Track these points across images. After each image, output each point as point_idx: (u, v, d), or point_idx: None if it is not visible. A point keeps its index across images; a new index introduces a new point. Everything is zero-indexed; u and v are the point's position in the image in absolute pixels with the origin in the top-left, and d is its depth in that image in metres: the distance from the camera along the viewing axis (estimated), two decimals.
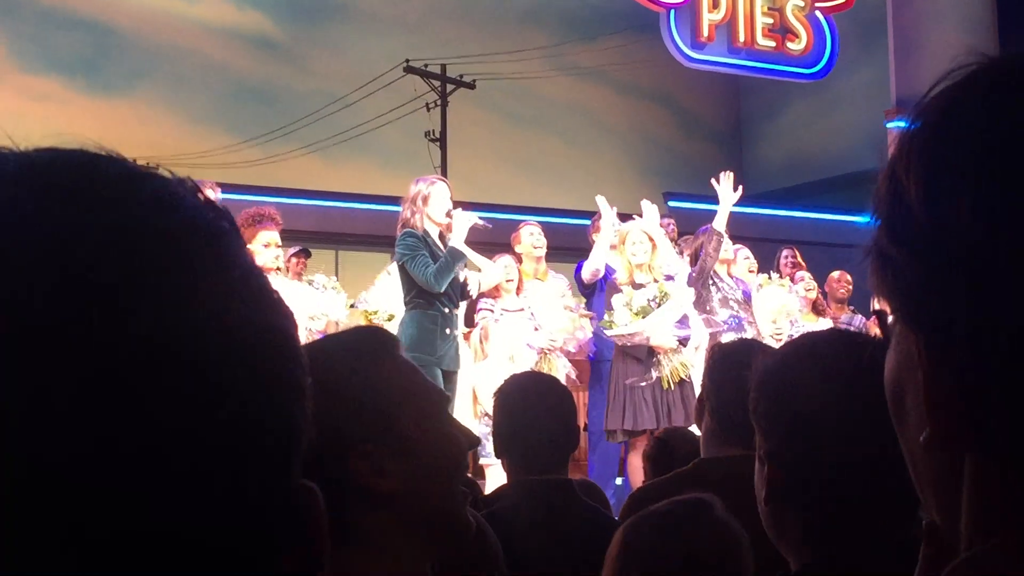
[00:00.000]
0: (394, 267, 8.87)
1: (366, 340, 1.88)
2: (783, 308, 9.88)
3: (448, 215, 8.29)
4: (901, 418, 0.90)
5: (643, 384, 8.77)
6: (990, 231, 0.77)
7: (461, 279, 8.44)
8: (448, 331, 8.20)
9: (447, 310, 8.24)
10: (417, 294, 8.17)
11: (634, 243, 9.04)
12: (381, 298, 9.51)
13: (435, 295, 8.14)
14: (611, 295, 9.01)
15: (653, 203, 9.63)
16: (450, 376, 8.14)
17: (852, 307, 11.49)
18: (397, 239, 8.20)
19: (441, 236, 8.33)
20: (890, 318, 0.90)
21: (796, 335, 9.69)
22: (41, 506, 0.57)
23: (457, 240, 8.20)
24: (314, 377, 0.70)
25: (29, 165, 0.64)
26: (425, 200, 8.29)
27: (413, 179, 8.70)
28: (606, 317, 8.93)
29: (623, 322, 8.80)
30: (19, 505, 0.57)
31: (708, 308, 9.37)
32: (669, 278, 9.13)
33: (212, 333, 0.62)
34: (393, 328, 8.58)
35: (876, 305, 0.96)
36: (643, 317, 8.77)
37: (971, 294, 0.78)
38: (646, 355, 8.84)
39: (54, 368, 0.58)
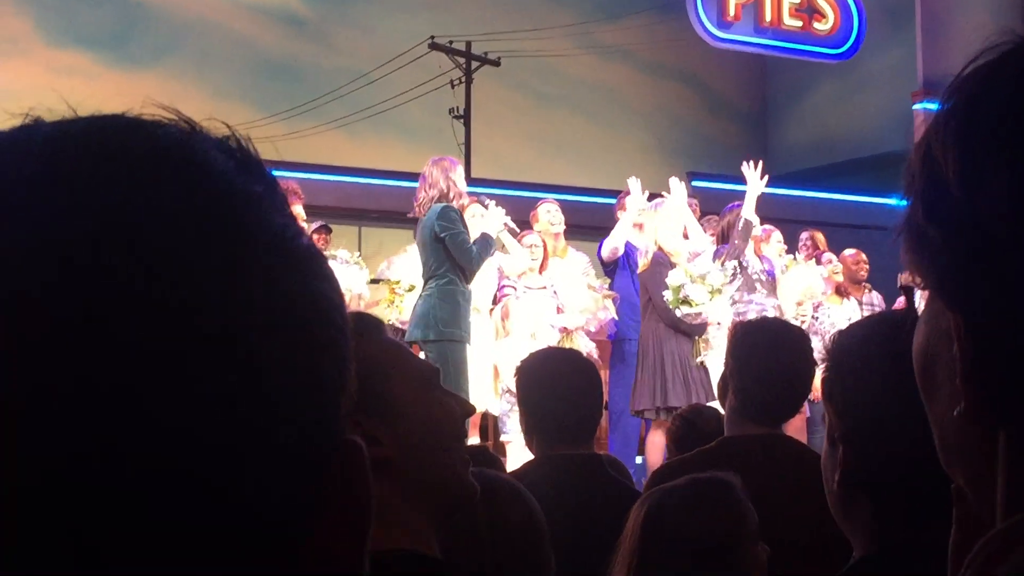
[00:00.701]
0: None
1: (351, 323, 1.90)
2: (808, 290, 9.86)
3: (481, 203, 8.48)
4: (930, 391, 0.91)
5: (682, 360, 8.82)
6: (1022, 206, 0.78)
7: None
8: (471, 307, 8.34)
9: (470, 288, 8.34)
10: (450, 269, 8.24)
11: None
12: (407, 268, 9.49)
13: (461, 270, 8.19)
14: (655, 273, 9.03)
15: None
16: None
17: (868, 285, 11.44)
18: (436, 211, 8.24)
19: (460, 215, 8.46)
20: (918, 292, 0.90)
21: (820, 318, 9.69)
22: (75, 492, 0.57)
23: (492, 228, 8.32)
24: None
25: (55, 141, 0.63)
26: (457, 181, 8.44)
27: (436, 154, 8.78)
28: (670, 296, 8.90)
29: (701, 300, 8.80)
30: (36, 499, 0.57)
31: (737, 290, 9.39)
32: (696, 255, 9.15)
33: (246, 305, 0.62)
34: (412, 299, 8.66)
35: (902, 280, 0.96)
36: (719, 295, 8.81)
37: (1008, 272, 0.78)
38: (695, 331, 8.89)
39: (75, 363, 0.57)
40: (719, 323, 8.84)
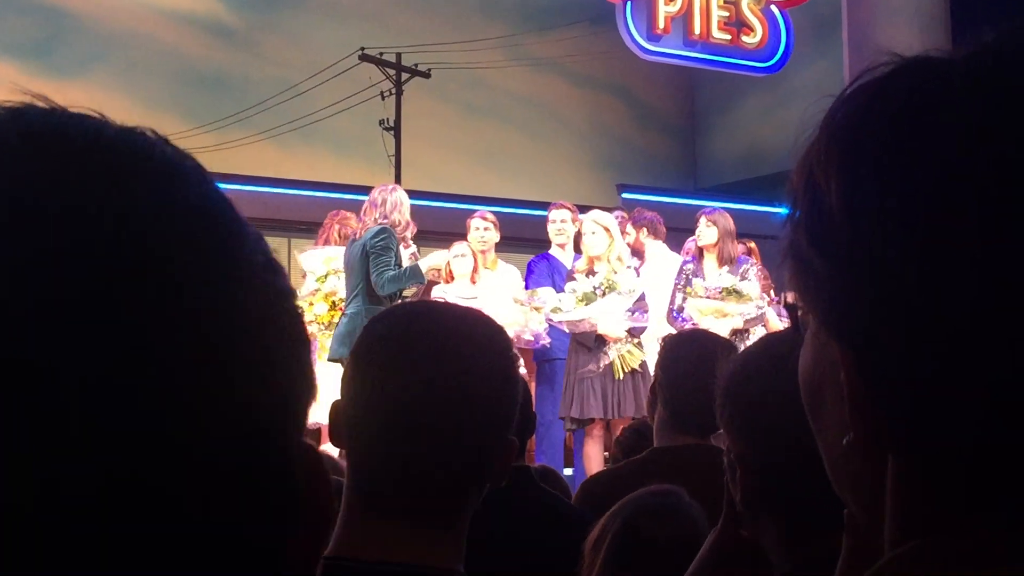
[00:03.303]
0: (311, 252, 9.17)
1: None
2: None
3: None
4: (817, 416, 0.90)
5: (592, 373, 8.82)
6: (911, 236, 0.76)
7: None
8: None
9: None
10: (370, 286, 8.35)
11: (592, 233, 9.09)
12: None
13: (387, 296, 8.39)
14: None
15: (607, 194, 9.73)
16: None
17: (777, 298, 11.48)
18: (373, 231, 8.40)
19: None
20: (800, 312, 0.90)
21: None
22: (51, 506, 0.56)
23: (424, 264, 8.49)
24: None
25: (33, 134, 0.63)
26: (405, 209, 8.74)
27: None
28: (554, 303, 9.02)
29: (568, 308, 8.90)
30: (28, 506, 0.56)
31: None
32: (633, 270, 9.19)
33: (223, 305, 0.62)
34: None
35: (788, 298, 0.96)
36: (586, 304, 8.85)
37: (894, 303, 0.77)
38: (594, 343, 8.90)
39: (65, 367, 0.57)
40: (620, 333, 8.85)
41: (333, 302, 9.38)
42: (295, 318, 0.67)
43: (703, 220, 9.59)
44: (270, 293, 0.66)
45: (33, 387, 0.56)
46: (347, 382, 1.79)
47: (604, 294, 8.90)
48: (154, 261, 0.60)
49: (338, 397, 1.82)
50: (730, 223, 9.63)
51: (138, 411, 0.57)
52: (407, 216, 8.76)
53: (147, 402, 0.58)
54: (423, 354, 1.75)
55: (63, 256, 0.58)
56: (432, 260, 8.85)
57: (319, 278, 9.45)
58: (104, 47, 24.01)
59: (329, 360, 8.64)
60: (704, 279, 9.39)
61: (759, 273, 9.86)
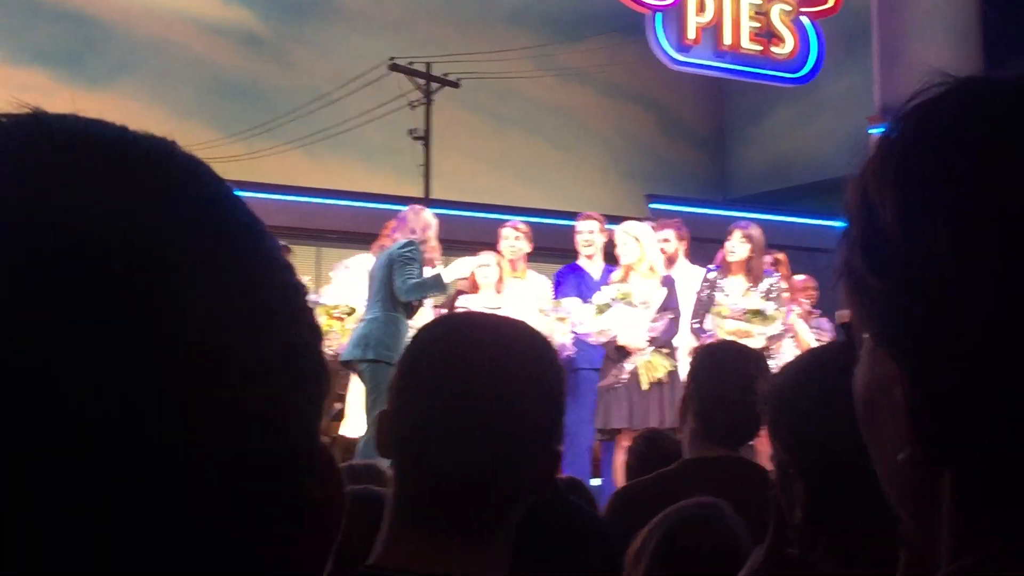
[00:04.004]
0: (352, 261, 9.37)
1: None
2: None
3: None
4: (873, 432, 0.90)
5: (615, 383, 8.82)
6: (967, 255, 0.77)
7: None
8: (406, 337, 8.53)
9: (409, 319, 8.78)
10: (390, 294, 8.62)
11: (623, 244, 9.09)
12: (340, 293, 9.71)
13: (409, 304, 8.67)
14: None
15: (635, 204, 9.73)
16: None
17: (816, 311, 11.43)
18: (401, 243, 8.62)
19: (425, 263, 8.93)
20: (859, 333, 0.90)
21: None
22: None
23: (448, 274, 8.65)
24: None
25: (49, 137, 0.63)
26: (432, 232, 9.04)
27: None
28: (578, 314, 9.05)
29: (585, 319, 8.93)
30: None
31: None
32: (667, 280, 9.16)
33: (252, 326, 0.62)
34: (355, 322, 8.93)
35: (842, 316, 0.96)
36: (601, 314, 8.87)
37: (949, 319, 0.77)
38: (615, 353, 8.91)
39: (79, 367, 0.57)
40: (639, 342, 8.85)
41: (329, 313, 9.50)
42: (309, 312, 0.68)
43: (738, 233, 9.46)
44: (287, 289, 0.66)
45: (30, 387, 0.56)
46: (394, 392, 1.79)
47: (620, 303, 8.92)
48: (177, 257, 0.60)
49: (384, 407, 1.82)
50: (762, 239, 9.56)
51: (146, 409, 0.58)
52: (434, 239, 8.96)
53: (162, 400, 0.58)
54: (470, 364, 1.75)
55: (89, 257, 0.58)
56: (455, 271, 8.94)
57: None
58: (134, 56, 24.13)
59: (342, 362, 8.85)
60: (728, 295, 9.32)
61: (784, 287, 9.80)
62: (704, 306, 9.38)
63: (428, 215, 9.16)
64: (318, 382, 0.67)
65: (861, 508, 1.77)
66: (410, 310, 8.72)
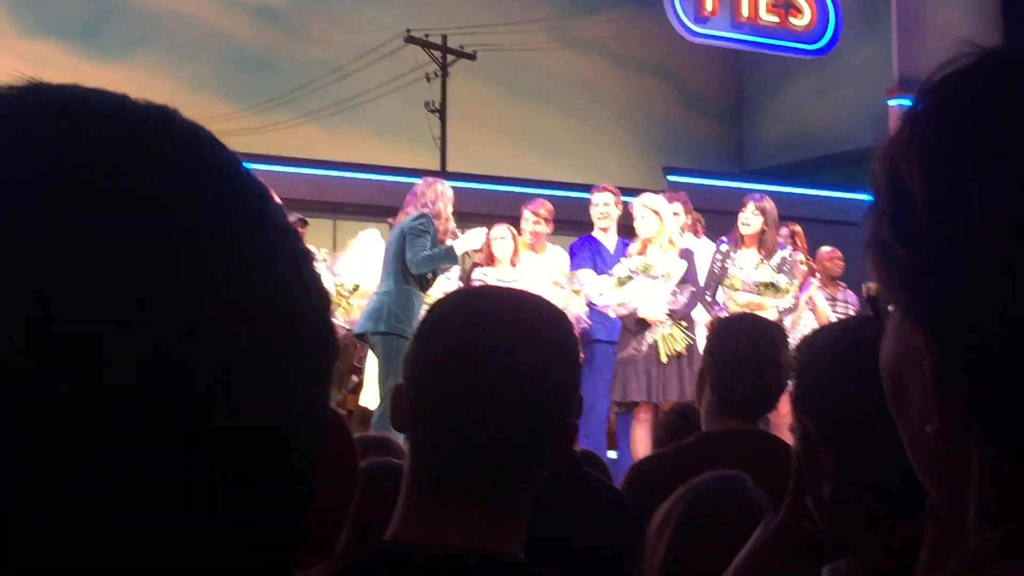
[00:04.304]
0: (366, 234, 9.37)
1: None
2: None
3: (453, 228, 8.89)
4: (901, 405, 0.90)
5: (634, 355, 8.83)
6: (996, 225, 0.77)
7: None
8: (421, 310, 8.56)
9: (423, 292, 8.80)
10: (402, 267, 8.67)
11: (641, 217, 9.08)
12: (350, 266, 9.71)
13: (422, 276, 8.68)
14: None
15: (652, 176, 9.70)
16: None
17: (843, 284, 11.45)
18: (413, 216, 8.63)
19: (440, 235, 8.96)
20: (886, 305, 0.89)
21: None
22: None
23: (459, 246, 8.65)
24: None
25: (66, 109, 0.63)
26: (450, 201, 9.03)
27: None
28: (595, 286, 9.05)
29: (605, 291, 8.93)
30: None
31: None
32: (686, 253, 9.15)
33: (261, 292, 0.62)
34: (358, 301, 8.99)
35: (869, 289, 0.95)
36: (621, 287, 8.86)
37: (978, 290, 0.77)
38: (635, 326, 8.91)
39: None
40: (657, 314, 8.85)
41: (337, 290, 9.51)
42: (316, 278, 0.68)
43: (751, 206, 9.44)
44: (293, 254, 0.66)
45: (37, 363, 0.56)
46: (409, 365, 1.80)
47: (640, 275, 8.91)
48: (182, 222, 0.60)
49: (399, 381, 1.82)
50: (775, 211, 9.55)
51: (165, 369, 0.58)
52: (448, 209, 8.94)
53: (174, 360, 0.58)
54: (486, 337, 1.76)
55: (90, 221, 0.58)
56: (466, 242, 8.94)
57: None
58: (150, 28, 24.14)
59: (355, 334, 8.95)
60: (741, 268, 9.31)
61: (798, 261, 9.79)
62: (716, 279, 9.37)
63: (441, 187, 9.14)
64: (326, 348, 0.67)
65: (892, 485, 1.76)
66: (424, 283, 8.74)
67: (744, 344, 3.86)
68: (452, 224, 9.05)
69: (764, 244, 9.36)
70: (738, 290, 9.19)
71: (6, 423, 0.55)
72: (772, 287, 9.18)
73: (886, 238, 0.83)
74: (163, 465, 0.58)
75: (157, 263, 0.59)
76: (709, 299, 9.33)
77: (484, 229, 9.07)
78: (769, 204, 9.50)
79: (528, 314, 1.82)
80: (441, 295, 8.85)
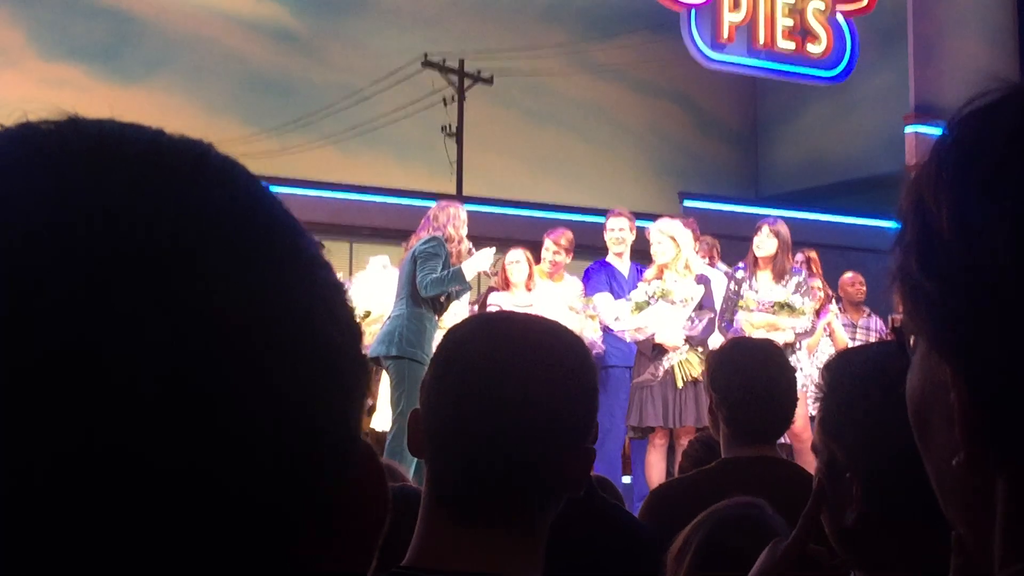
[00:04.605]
0: (376, 259, 9.37)
1: None
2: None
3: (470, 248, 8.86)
4: (926, 438, 0.90)
5: (650, 381, 8.81)
6: (1021, 258, 0.77)
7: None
8: (436, 334, 8.59)
9: (436, 316, 8.77)
10: (414, 291, 8.65)
11: (658, 242, 9.07)
12: (361, 292, 9.70)
13: (434, 299, 8.67)
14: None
15: (668, 201, 9.69)
16: None
17: (867, 309, 11.45)
18: (424, 239, 8.65)
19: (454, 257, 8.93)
20: (911, 338, 0.89)
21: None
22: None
23: (468, 267, 8.59)
24: None
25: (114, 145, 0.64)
26: (464, 223, 8.98)
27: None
28: (611, 311, 9.05)
29: (622, 315, 8.92)
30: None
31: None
32: (702, 278, 9.14)
33: (294, 327, 0.63)
34: (371, 323, 8.98)
35: (895, 321, 0.96)
36: (639, 312, 8.85)
37: (1005, 324, 0.77)
38: (652, 351, 8.89)
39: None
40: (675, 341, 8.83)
41: None
42: (348, 310, 0.68)
43: (766, 229, 9.45)
44: (326, 287, 0.67)
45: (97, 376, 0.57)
46: (427, 390, 1.79)
47: (657, 300, 8.89)
48: (214, 258, 0.61)
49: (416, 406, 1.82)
50: (789, 235, 9.56)
51: (183, 408, 0.58)
52: (462, 231, 8.90)
53: (199, 398, 0.58)
54: (505, 363, 1.75)
55: (125, 264, 0.59)
56: (475, 264, 8.88)
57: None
58: (169, 52, 24.23)
59: (369, 358, 8.80)
60: (757, 292, 9.31)
61: (815, 287, 9.79)
62: (732, 304, 9.36)
63: (454, 209, 9.11)
64: (356, 380, 0.67)
65: (919, 516, 1.74)
66: (438, 307, 8.73)
67: (746, 371, 3.85)
68: (467, 245, 9.01)
69: (777, 267, 9.35)
70: (752, 311, 9.18)
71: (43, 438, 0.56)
72: (787, 307, 9.17)
73: (912, 270, 0.83)
74: (191, 493, 0.58)
75: (193, 299, 0.59)
76: (726, 324, 9.31)
77: (492, 250, 9.00)
78: (783, 228, 9.51)
79: (546, 340, 1.82)
80: (456, 319, 8.88)
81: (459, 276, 8.67)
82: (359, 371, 0.68)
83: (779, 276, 9.33)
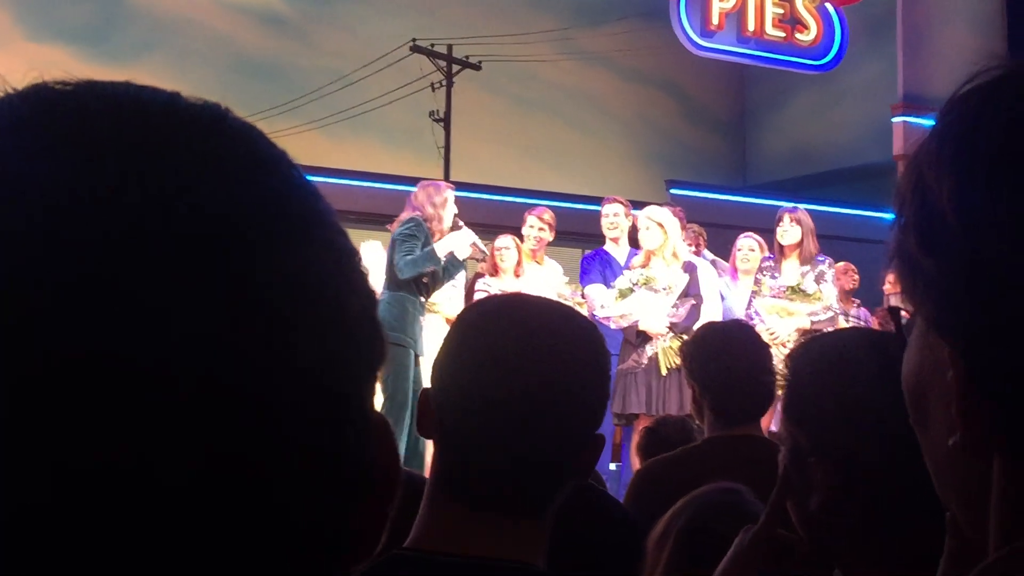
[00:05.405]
0: (367, 245, 9.35)
1: None
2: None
3: (456, 225, 8.76)
4: (922, 420, 0.90)
5: (634, 368, 8.82)
6: (1022, 236, 0.77)
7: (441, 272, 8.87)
8: (422, 317, 8.69)
9: (423, 298, 8.76)
10: (394, 273, 8.62)
11: (646, 229, 9.08)
12: None
13: (416, 281, 8.61)
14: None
15: (655, 189, 9.68)
16: (417, 360, 8.53)
17: (857, 300, 11.47)
18: (403, 222, 8.63)
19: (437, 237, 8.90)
20: (905, 316, 0.90)
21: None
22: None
23: (441, 246, 8.63)
24: None
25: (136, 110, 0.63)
26: (444, 204, 8.91)
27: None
28: (600, 299, 9.06)
29: (607, 303, 8.93)
30: None
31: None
32: (689, 266, 9.14)
33: (316, 292, 0.62)
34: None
35: (890, 301, 0.95)
36: (623, 299, 8.87)
37: (1005, 302, 0.77)
38: (636, 338, 8.90)
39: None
40: (660, 327, 8.84)
41: None
42: (364, 278, 0.67)
43: (787, 218, 9.50)
44: (344, 253, 0.66)
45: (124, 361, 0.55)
46: (439, 372, 1.78)
47: (641, 287, 8.90)
48: (235, 221, 0.59)
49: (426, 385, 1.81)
50: (811, 220, 9.60)
51: (220, 372, 0.57)
52: (443, 211, 8.84)
53: (230, 363, 0.57)
54: (518, 346, 1.73)
55: (148, 222, 0.57)
56: (448, 244, 8.81)
57: None
58: (157, 34, 24.16)
59: None
60: (780, 277, 9.35)
61: (836, 276, 9.85)
62: (756, 293, 9.43)
63: (433, 188, 9.07)
64: (372, 348, 0.66)
65: (883, 499, 1.75)
66: (422, 289, 8.68)
67: (725, 355, 3.88)
68: (446, 225, 8.93)
69: (803, 253, 9.40)
70: (766, 296, 9.22)
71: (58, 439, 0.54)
72: (800, 292, 9.19)
73: (912, 249, 0.83)
74: (223, 471, 0.57)
75: (217, 262, 0.58)
76: (751, 315, 9.34)
77: (468, 231, 8.94)
78: (804, 214, 9.57)
79: (562, 324, 1.80)
80: (452, 304, 8.84)
81: (431, 255, 8.60)
82: (376, 340, 0.66)
83: (806, 261, 9.37)
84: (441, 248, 8.68)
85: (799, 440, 1.87)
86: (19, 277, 0.55)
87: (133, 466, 0.55)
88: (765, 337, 7.48)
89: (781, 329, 8.98)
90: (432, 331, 8.49)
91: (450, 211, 8.92)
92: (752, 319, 9.24)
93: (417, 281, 8.63)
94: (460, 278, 9.58)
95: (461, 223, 8.95)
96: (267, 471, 0.58)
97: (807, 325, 9.04)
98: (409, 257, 8.53)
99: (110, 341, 0.55)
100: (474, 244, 9.01)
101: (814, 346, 2.02)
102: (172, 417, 0.55)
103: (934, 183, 0.82)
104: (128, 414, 0.55)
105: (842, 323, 10.03)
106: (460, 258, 8.90)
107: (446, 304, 9.00)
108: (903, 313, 0.91)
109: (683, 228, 10.27)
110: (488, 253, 9.45)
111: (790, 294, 9.21)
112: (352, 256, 0.66)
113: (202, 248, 0.57)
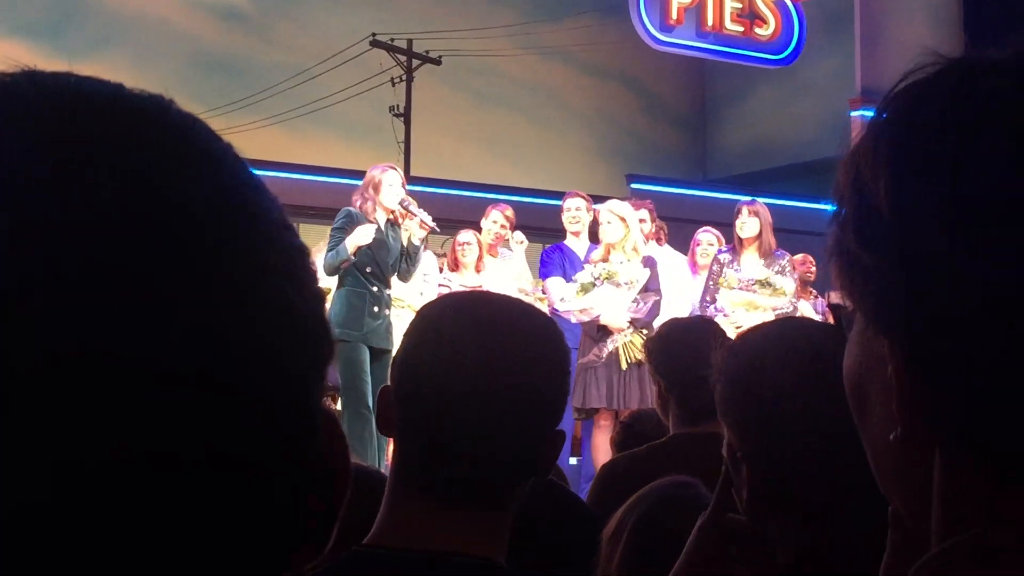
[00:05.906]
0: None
1: None
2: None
3: (402, 204, 8.45)
4: (863, 413, 0.90)
5: (594, 362, 8.81)
6: (961, 231, 0.77)
7: (393, 259, 8.60)
8: (376, 309, 8.40)
9: (375, 288, 8.48)
10: (350, 271, 8.40)
11: (607, 223, 9.08)
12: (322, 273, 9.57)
13: (361, 273, 8.39)
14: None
15: (616, 183, 9.69)
16: (380, 354, 8.26)
17: (815, 291, 11.53)
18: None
19: (392, 223, 8.58)
20: (847, 309, 0.90)
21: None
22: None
23: (351, 240, 8.35)
24: None
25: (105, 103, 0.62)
26: (376, 188, 8.55)
27: (377, 155, 8.98)
28: (560, 293, 9.05)
29: (568, 297, 8.93)
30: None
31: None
32: (649, 260, 9.15)
33: (259, 288, 0.61)
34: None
35: (832, 298, 0.96)
36: (585, 294, 8.86)
37: (942, 298, 0.77)
38: (597, 333, 8.90)
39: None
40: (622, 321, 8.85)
41: None
42: (312, 274, 0.67)
43: (745, 211, 9.55)
44: (289, 249, 0.65)
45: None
46: (398, 369, 1.78)
47: (603, 283, 8.91)
48: (180, 214, 0.59)
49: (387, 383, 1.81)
50: (769, 214, 9.64)
51: (164, 367, 0.56)
52: (382, 192, 8.56)
53: (172, 357, 0.57)
54: (477, 343, 1.74)
55: (97, 209, 0.57)
56: (356, 238, 8.58)
57: None
58: (115, 30, 24.02)
59: None
60: (741, 270, 9.38)
61: (794, 270, 9.88)
62: (714, 285, 9.44)
63: (375, 171, 8.76)
64: (319, 345, 0.66)
65: (798, 493, 1.78)
66: (369, 280, 8.45)
67: (685, 354, 3.86)
68: (389, 206, 8.60)
69: (762, 246, 9.44)
70: (734, 289, 9.25)
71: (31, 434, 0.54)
72: (767, 285, 9.24)
73: (851, 245, 0.83)
74: (175, 468, 0.57)
75: (155, 257, 0.57)
76: (708, 304, 9.38)
77: (374, 225, 8.67)
78: (762, 207, 9.61)
79: (522, 321, 1.81)
80: (419, 298, 8.76)
81: (340, 250, 8.39)
82: (323, 337, 0.66)
83: (765, 255, 9.41)
84: (350, 241, 8.43)
85: (730, 437, 1.90)
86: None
87: (132, 465, 0.55)
88: (731, 332, 7.49)
89: (747, 323, 9.01)
90: (402, 325, 8.37)
91: (389, 193, 8.60)
92: (707, 308, 9.29)
93: (363, 272, 8.44)
94: (432, 268, 9.51)
95: (409, 205, 8.67)
96: (255, 469, 0.59)
97: (771, 318, 9.08)
98: (329, 253, 8.39)
99: (61, 319, 0.55)
100: (405, 207, 8.62)
101: (735, 345, 2.05)
102: (172, 416, 0.56)
103: (871, 180, 0.82)
104: (128, 413, 0.55)
105: (806, 311, 10.10)
106: (415, 241, 8.65)
107: (416, 299, 8.85)
108: (844, 307, 0.91)
109: (653, 220, 10.31)
110: (431, 222, 9.10)
111: (759, 288, 9.25)
112: (298, 252, 0.66)
113: (141, 237, 0.57)
